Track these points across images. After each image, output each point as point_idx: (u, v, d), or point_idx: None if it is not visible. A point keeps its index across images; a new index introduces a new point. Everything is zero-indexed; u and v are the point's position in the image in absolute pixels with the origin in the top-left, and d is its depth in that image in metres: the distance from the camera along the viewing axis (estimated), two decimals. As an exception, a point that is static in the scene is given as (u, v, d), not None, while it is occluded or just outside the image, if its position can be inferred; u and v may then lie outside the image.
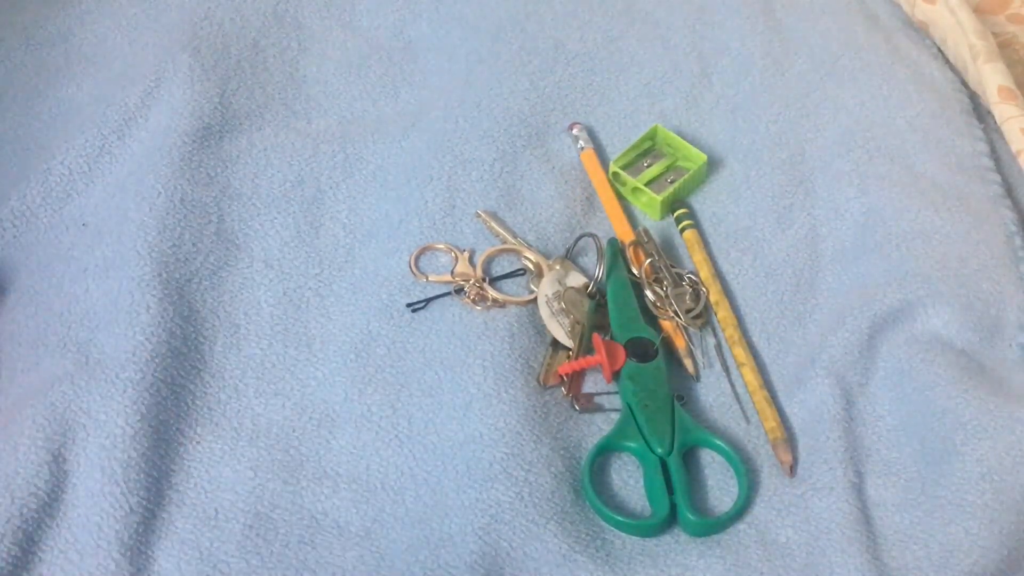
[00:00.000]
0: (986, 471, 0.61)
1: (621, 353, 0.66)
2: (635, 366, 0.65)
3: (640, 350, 0.66)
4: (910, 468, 0.62)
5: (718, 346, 0.69)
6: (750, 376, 0.67)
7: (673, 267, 0.71)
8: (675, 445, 0.62)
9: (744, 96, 0.81)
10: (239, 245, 0.72)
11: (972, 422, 0.62)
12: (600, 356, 0.66)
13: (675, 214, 0.75)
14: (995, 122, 0.75)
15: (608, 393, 0.67)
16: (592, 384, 0.68)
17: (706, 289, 0.71)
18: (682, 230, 0.74)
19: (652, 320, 0.67)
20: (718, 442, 0.64)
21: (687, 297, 0.70)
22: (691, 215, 0.75)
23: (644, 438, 0.63)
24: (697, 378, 0.68)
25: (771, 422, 0.64)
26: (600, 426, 0.66)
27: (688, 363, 0.68)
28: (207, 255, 0.71)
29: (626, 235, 0.73)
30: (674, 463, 0.62)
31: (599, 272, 0.70)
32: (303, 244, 0.73)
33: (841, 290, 0.70)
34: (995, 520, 0.59)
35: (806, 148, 0.77)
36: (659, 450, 0.62)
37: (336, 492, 0.62)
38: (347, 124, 0.79)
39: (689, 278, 0.71)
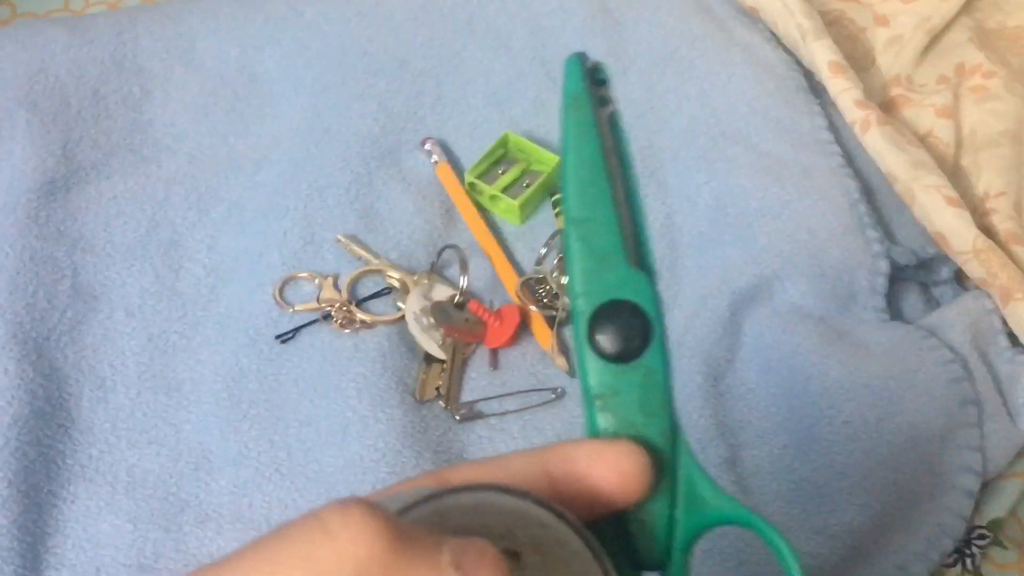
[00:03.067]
0: (853, 432, 0.63)
1: (514, 319, 0.64)
2: (610, 368, 0.35)
3: (621, 329, 0.35)
4: (781, 435, 0.64)
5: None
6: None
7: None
8: (682, 540, 0.35)
9: (591, 96, 0.83)
10: (97, 296, 0.71)
11: (835, 385, 0.64)
12: (490, 326, 0.63)
13: (554, 198, 0.76)
14: (830, 97, 0.78)
15: (488, 399, 0.68)
16: (470, 391, 0.68)
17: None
18: (558, 214, 0.75)
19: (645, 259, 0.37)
20: (756, 519, 0.35)
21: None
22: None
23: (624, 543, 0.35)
24: (571, 374, 0.69)
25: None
26: (481, 433, 0.66)
27: (561, 360, 0.69)
28: (64, 311, 0.70)
29: (490, 247, 0.74)
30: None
31: (464, 281, 0.71)
32: (164, 288, 0.72)
33: (701, 273, 0.72)
34: (866, 477, 0.62)
35: (654, 140, 0.79)
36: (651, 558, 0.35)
37: (220, 533, 0.62)
38: (198, 163, 0.79)
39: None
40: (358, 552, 0.25)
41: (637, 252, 0.35)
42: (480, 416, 0.67)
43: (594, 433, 0.35)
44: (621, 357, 0.34)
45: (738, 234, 0.73)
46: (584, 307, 0.35)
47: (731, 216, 0.74)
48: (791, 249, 0.71)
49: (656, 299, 0.35)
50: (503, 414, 0.67)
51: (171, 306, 0.72)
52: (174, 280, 0.73)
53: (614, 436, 0.34)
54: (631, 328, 0.35)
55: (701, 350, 0.68)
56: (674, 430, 0.35)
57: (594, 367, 0.34)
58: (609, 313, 0.35)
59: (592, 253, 0.35)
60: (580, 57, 0.36)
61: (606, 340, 0.34)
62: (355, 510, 0.25)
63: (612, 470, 0.32)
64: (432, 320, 0.70)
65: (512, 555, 0.30)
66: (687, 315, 0.70)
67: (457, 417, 0.67)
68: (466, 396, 0.68)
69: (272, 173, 0.78)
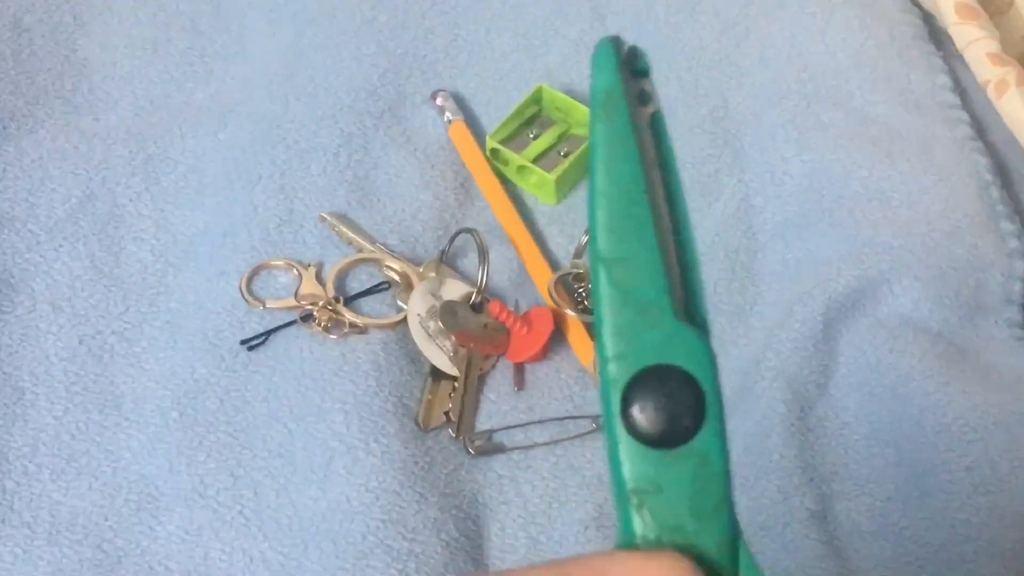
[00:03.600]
0: (979, 481, 0.62)
1: (545, 326, 0.65)
2: (650, 456, 0.34)
3: (666, 404, 0.34)
4: (886, 485, 0.63)
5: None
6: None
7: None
8: None
9: (649, 40, 0.82)
10: (15, 285, 0.71)
11: (957, 422, 0.64)
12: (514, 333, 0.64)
13: None
14: (955, 48, 0.77)
15: (511, 427, 0.67)
16: (488, 417, 0.68)
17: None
18: None
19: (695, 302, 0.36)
20: None
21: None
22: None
23: None
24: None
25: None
26: (501, 472, 0.66)
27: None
28: (-27, 302, 0.70)
29: (517, 232, 0.74)
30: None
31: (483, 276, 0.70)
32: (100, 276, 0.72)
33: (787, 273, 0.71)
34: (995, 541, 0.61)
35: (729, 99, 0.79)
36: None
37: (167, 592, 0.62)
38: (146, 117, 0.79)
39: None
40: None
41: (686, 300, 0.34)
42: (500, 450, 0.67)
43: (629, 540, 0.33)
44: (666, 441, 0.33)
45: (835, 223, 0.72)
46: (617, 374, 0.33)
47: (826, 200, 0.73)
48: (903, 244, 0.70)
49: (711, 363, 0.34)
50: (530, 448, 0.67)
51: (109, 299, 0.71)
52: (113, 265, 0.73)
53: (655, 545, 0.33)
54: (679, 403, 0.33)
55: (785, 372, 0.67)
56: (734, 536, 0.33)
57: (630, 454, 0.33)
58: (650, 383, 0.33)
59: (628, 303, 0.34)
60: (614, 42, 0.35)
61: (646, 419, 0.33)
62: None
63: None
64: (441, 325, 0.70)
65: None
66: (767, 327, 0.69)
67: (471, 450, 0.66)
68: (482, 424, 0.68)
69: (240, 131, 0.77)
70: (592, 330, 0.70)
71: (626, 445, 0.33)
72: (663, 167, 0.35)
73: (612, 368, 0.34)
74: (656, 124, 0.35)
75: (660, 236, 0.34)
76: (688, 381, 0.33)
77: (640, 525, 0.33)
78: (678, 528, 0.33)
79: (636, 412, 0.33)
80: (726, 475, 0.33)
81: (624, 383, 0.33)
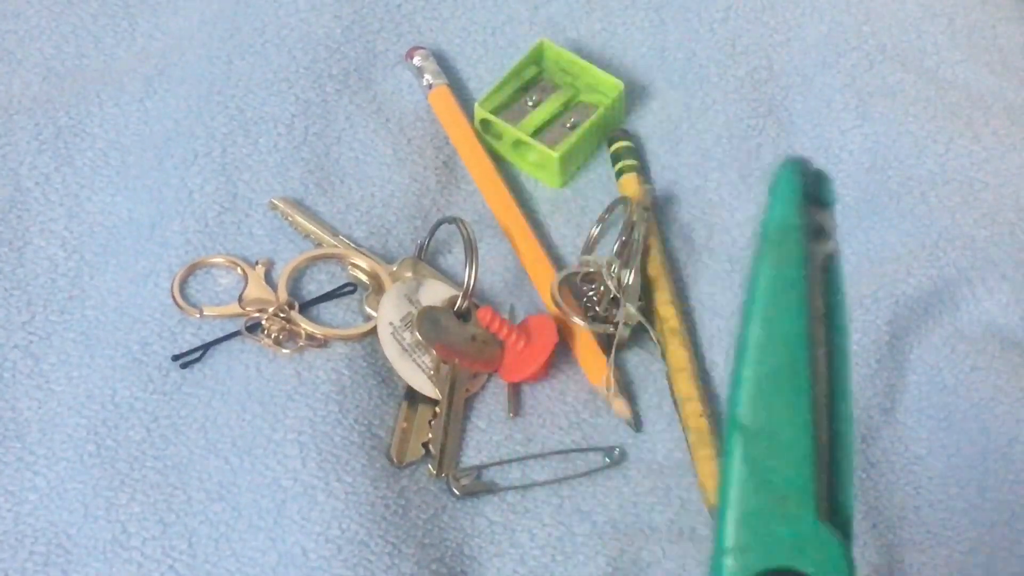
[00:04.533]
0: (1082, 527, 0.62)
1: (547, 338, 0.67)
2: None
3: None
4: (967, 531, 0.63)
5: (668, 374, 0.69)
6: (693, 419, 0.67)
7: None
8: None
9: (676, -15, 0.82)
10: None
11: (1055, 454, 0.64)
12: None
13: (612, 147, 0.76)
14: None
15: (505, 462, 0.67)
16: (476, 450, 0.68)
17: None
18: (619, 172, 0.75)
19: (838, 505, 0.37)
20: None
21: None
22: (635, 150, 0.76)
23: None
24: (637, 427, 0.69)
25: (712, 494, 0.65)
26: (493, 518, 0.66)
27: (620, 404, 0.68)
28: None
29: (513, 222, 0.74)
30: None
31: (470, 277, 0.70)
32: (-1, 277, 0.72)
33: (845, 271, 0.71)
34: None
35: (774, 57, 0.79)
36: None
37: (82, 666, 0.62)
38: (56, 80, 0.79)
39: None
40: None
41: (829, 493, 0.35)
42: (492, 489, 0.67)
43: None
44: None
45: (904, 210, 0.72)
46: (735, 570, 0.34)
47: (894, 181, 0.73)
48: (988, 236, 0.70)
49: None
50: (527, 487, 0.67)
51: (10, 305, 0.71)
52: (15, 265, 0.73)
53: None
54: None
55: (842, 393, 0.67)
56: None
57: None
58: None
59: (764, 488, 0.34)
60: (799, 166, 0.35)
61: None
62: None
63: None
64: (419, 336, 0.69)
65: None
66: (821, 337, 0.69)
67: (456, 491, 0.66)
68: (470, 458, 0.68)
69: (172, 98, 0.77)
70: (604, 344, 0.70)
71: None
72: (830, 323, 0.35)
73: (730, 562, 0.34)
74: (831, 268, 0.36)
75: (815, 412, 0.34)
76: None
77: None
78: None
79: None
80: None
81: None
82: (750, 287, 0.35)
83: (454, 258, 0.73)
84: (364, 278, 0.72)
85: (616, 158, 0.76)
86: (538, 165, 0.76)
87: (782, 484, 0.34)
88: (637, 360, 0.71)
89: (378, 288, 0.71)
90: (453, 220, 0.72)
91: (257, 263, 0.72)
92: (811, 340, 0.35)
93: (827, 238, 0.36)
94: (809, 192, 0.36)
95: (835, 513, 0.34)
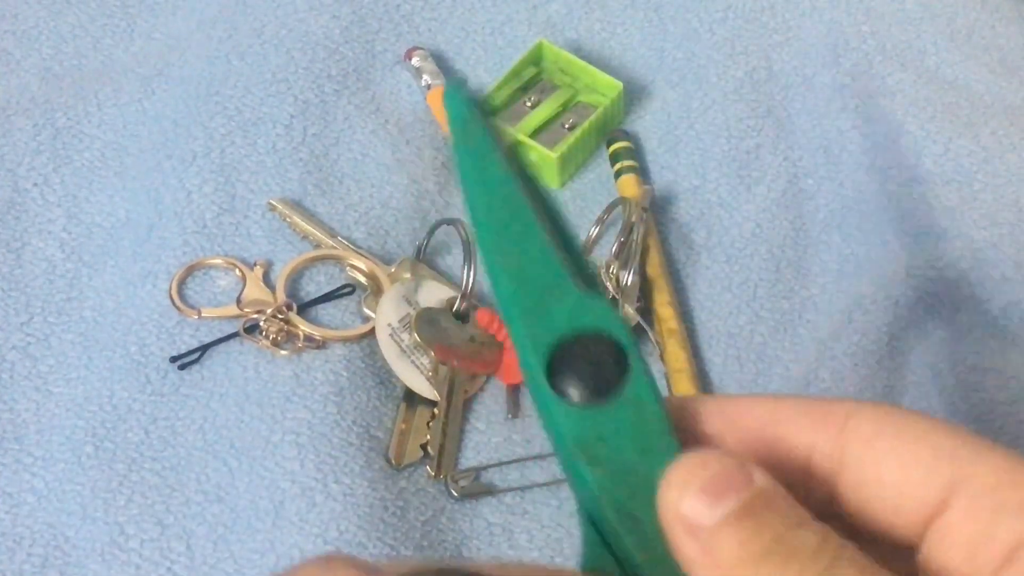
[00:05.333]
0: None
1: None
2: (588, 414, 0.41)
3: (591, 366, 0.42)
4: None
5: (667, 374, 0.69)
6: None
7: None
8: None
9: (674, -15, 0.82)
10: None
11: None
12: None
13: (611, 148, 0.76)
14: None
15: (504, 464, 0.68)
16: (475, 451, 0.68)
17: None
18: (618, 173, 0.75)
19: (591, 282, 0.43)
20: None
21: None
22: (634, 151, 0.76)
23: None
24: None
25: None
26: (491, 519, 0.66)
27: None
28: None
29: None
30: None
31: (469, 278, 0.70)
32: (-3, 278, 0.72)
33: (843, 272, 0.72)
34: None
35: (773, 58, 0.79)
36: None
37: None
38: (55, 81, 0.79)
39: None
40: None
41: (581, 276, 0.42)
42: (490, 491, 0.67)
43: (587, 495, 0.41)
44: (598, 398, 0.41)
45: (904, 210, 0.72)
46: (536, 351, 0.41)
47: (893, 181, 0.73)
48: (987, 237, 0.70)
49: (622, 322, 0.42)
50: (526, 489, 0.67)
51: (8, 306, 0.72)
52: (14, 265, 0.73)
53: (611, 492, 0.40)
54: (602, 361, 0.41)
55: (842, 394, 0.67)
56: None
57: (568, 418, 0.41)
58: (571, 348, 0.41)
59: (530, 287, 0.42)
60: (456, 87, 0.43)
61: (576, 382, 0.41)
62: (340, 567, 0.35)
63: None
64: (417, 338, 0.69)
65: None
66: (820, 339, 0.70)
67: (454, 492, 0.66)
68: (468, 460, 0.68)
69: (170, 98, 0.77)
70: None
71: (563, 412, 0.41)
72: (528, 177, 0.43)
73: (529, 349, 0.42)
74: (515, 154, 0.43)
75: (543, 229, 0.42)
76: (605, 340, 0.41)
77: (593, 477, 0.40)
78: (632, 471, 0.40)
79: (565, 379, 0.41)
80: (664, 417, 0.41)
81: (546, 355, 0.41)
82: (459, 171, 0.43)
83: (453, 259, 0.73)
84: (362, 279, 0.72)
85: (615, 159, 0.76)
86: (537, 166, 0.76)
87: (536, 279, 0.41)
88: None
89: (376, 289, 0.71)
90: (452, 221, 0.72)
91: (255, 264, 0.72)
92: (520, 185, 0.42)
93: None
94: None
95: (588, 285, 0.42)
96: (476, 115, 0.42)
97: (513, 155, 0.42)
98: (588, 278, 0.42)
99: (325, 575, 0.36)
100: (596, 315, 0.41)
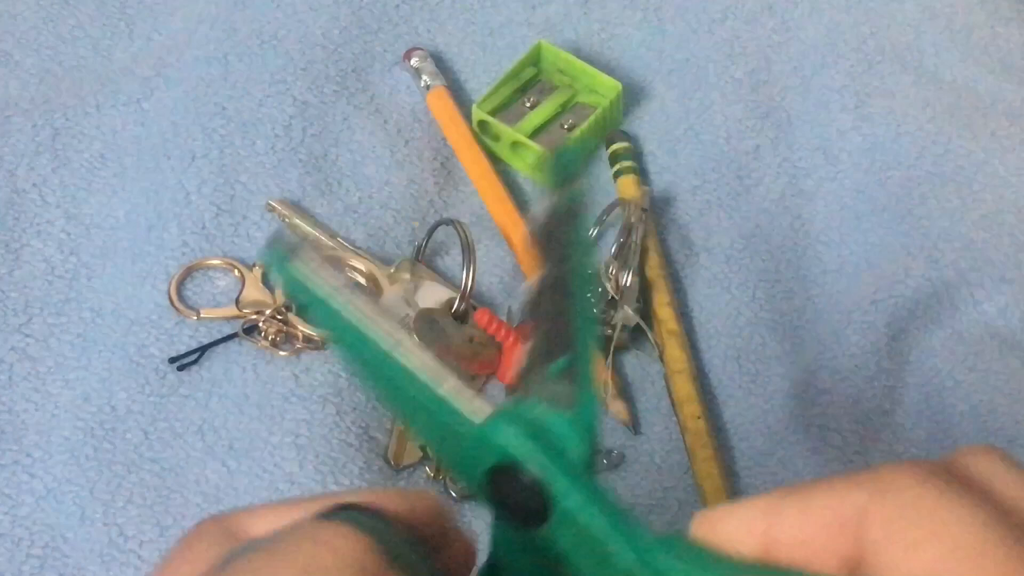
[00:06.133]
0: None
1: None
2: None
3: (514, 501, 0.39)
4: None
5: (666, 376, 0.69)
6: (691, 420, 0.67)
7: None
8: None
9: (674, -14, 0.82)
10: None
11: (1054, 456, 0.64)
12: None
13: (610, 149, 0.76)
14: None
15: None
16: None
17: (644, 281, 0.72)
18: (617, 174, 0.75)
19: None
20: None
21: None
22: (633, 152, 0.76)
23: None
24: (635, 429, 0.68)
25: (716, 498, 0.65)
26: (489, 520, 0.66)
27: (619, 406, 0.68)
28: None
29: (510, 224, 0.74)
30: None
31: (468, 278, 0.70)
32: (-4, 278, 0.72)
33: (843, 273, 0.72)
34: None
35: (772, 58, 0.79)
36: None
37: (78, 669, 0.62)
38: (54, 82, 0.79)
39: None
40: (353, 557, 0.36)
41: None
42: (490, 492, 0.67)
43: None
44: (532, 522, 0.39)
45: (903, 211, 0.72)
46: (471, 487, 0.40)
47: (892, 182, 0.73)
48: (987, 238, 0.71)
49: (531, 433, 0.39)
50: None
51: (7, 307, 0.71)
52: (13, 266, 0.73)
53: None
54: (519, 498, 0.38)
55: (841, 395, 0.67)
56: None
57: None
58: (501, 486, 0.39)
59: (436, 441, 0.41)
60: (274, 244, 0.42)
61: (507, 519, 0.39)
62: (337, 523, 0.37)
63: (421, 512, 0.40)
64: (417, 338, 0.69)
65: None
66: (820, 339, 0.70)
67: (454, 494, 0.66)
68: (468, 460, 0.68)
69: (169, 99, 0.78)
70: (601, 347, 0.70)
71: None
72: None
73: (467, 484, 0.41)
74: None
75: (410, 378, 0.40)
76: (519, 471, 0.38)
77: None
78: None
79: (500, 512, 0.40)
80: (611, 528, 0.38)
81: (483, 487, 0.39)
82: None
83: (452, 260, 0.73)
84: (362, 280, 0.72)
85: (614, 159, 0.76)
86: (536, 166, 0.76)
87: (435, 431, 0.40)
88: (635, 362, 0.71)
89: (376, 290, 0.71)
90: (451, 222, 0.72)
91: (254, 265, 0.72)
92: (369, 343, 0.41)
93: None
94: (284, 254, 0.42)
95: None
96: (288, 270, 0.42)
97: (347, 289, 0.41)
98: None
99: (196, 546, 0.38)
100: (498, 450, 0.39)
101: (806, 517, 0.36)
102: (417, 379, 0.40)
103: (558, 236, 0.43)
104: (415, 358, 0.40)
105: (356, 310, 0.41)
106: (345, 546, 0.36)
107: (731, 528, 0.37)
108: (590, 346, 0.41)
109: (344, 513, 0.38)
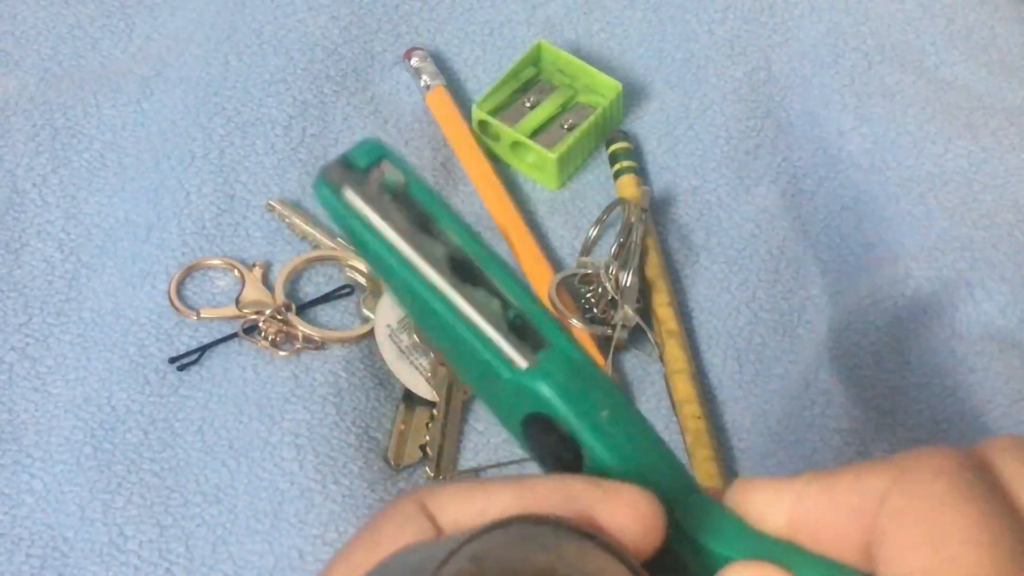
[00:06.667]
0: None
1: None
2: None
3: (550, 447, 0.42)
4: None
5: (666, 375, 0.69)
6: (691, 420, 0.67)
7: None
8: None
9: (674, -14, 0.82)
10: None
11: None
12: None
13: (610, 149, 0.76)
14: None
15: (504, 464, 0.68)
16: (474, 452, 0.68)
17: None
18: (617, 174, 0.75)
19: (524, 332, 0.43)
20: None
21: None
22: (633, 152, 0.76)
23: None
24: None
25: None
26: (490, 520, 0.66)
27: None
28: None
29: (510, 223, 0.73)
30: None
31: (468, 279, 0.70)
32: (-4, 278, 0.72)
33: (843, 274, 0.72)
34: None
35: (772, 58, 0.79)
36: None
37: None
38: (53, 81, 0.79)
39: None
40: None
41: (531, 335, 0.41)
42: (490, 492, 0.66)
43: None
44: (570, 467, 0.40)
45: (903, 211, 0.72)
46: (513, 434, 0.42)
47: (892, 182, 0.73)
48: (986, 237, 0.70)
49: (568, 390, 0.40)
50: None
51: (7, 307, 0.71)
52: (12, 266, 0.73)
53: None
54: (554, 445, 0.40)
55: (841, 395, 0.67)
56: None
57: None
58: (535, 431, 0.41)
59: (475, 380, 0.42)
60: (323, 181, 0.41)
61: (546, 458, 0.41)
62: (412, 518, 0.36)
63: (628, 515, 0.38)
64: (416, 339, 0.69)
65: None
66: (820, 340, 0.69)
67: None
68: (467, 460, 0.68)
69: (169, 98, 0.77)
70: (602, 345, 0.70)
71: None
72: (442, 229, 0.42)
73: (507, 430, 0.42)
74: (414, 192, 0.42)
75: (460, 319, 0.41)
76: (551, 421, 0.40)
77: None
78: None
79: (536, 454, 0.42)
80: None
81: (520, 432, 0.41)
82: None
83: (452, 259, 0.73)
84: (361, 280, 0.72)
85: (614, 159, 0.76)
86: (536, 166, 0.76)
87: (475, 371, 0.41)
88: (635, 361, 0.70)
89: (375, 290, 0.71)
90: (451, 222, 0.72)
91: (254, 265, 0.72)
92: (416, 269, 0.40)
93: (397, 181, 0.42)
94: (348, 173, 0.41)
95: (539, 343, 0.40)
96: (343, 207, 0.41)
97: (405, 226, 0.41)
98: (522, 329, 0.41)
99: (395, 520, 0.37)
100: (533, 400, 0.40)
101: (830, 500, 0.37)
102: (465, 319, 0.41)
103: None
104: (463, 299, 0.41)
105: (407, 246, 0.41)
106: None
107: (762, 501, 0.38)
108: (531, 298, 0.41)
109: (492, 535, 0.36)
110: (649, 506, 0.38)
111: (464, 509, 0.39)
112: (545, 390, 0.40)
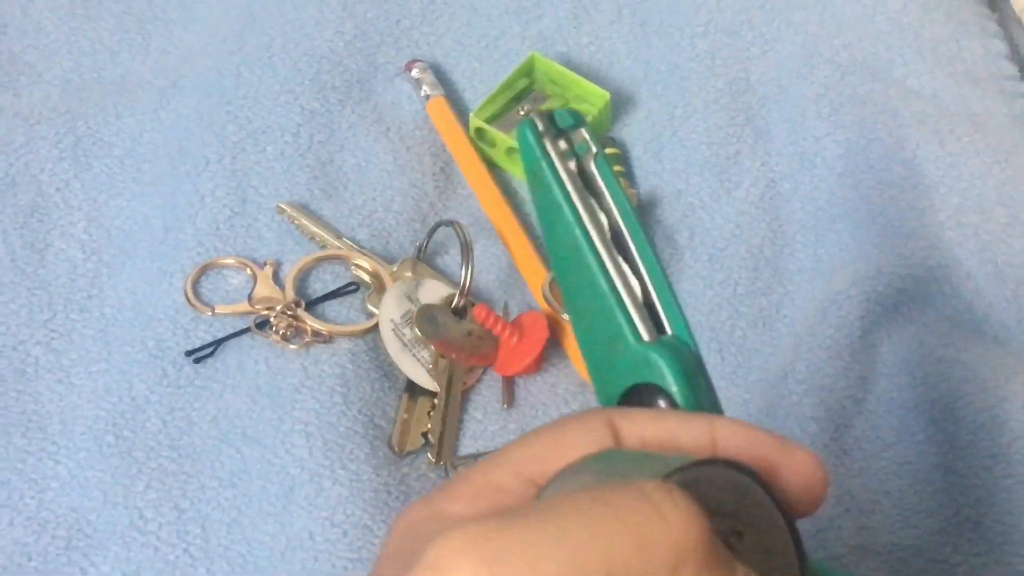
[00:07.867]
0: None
1: (539, 333, 0.68)
2: None
3: None
4: (935, 516, 0.63)
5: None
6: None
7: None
8: None
9: (659, 2, 0.82)
10: (-77, 288, 0.71)
11: (1017, 443, 0.64)
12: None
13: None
14: (1013, 10, 0.77)
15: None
16: (473, 439, 0.68)
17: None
18: None
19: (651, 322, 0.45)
20: None
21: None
22: (621, 158, 0.76)
23: None
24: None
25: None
26: (488, 503, 0.66)
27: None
28: None
29: (506, 224, 0.74)
30: None
31: (466, 276, 0.70)
32: (22, 276, 0.72)
33: (819, 271, 0.72)
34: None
35: (751, 69, 0.79)
36: None
37: (101, 643, 0.62)
38: (75, 92, 0.79)
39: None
40: (687, 541, 0.33)
41: (658, 317, 0.45)
42: (488, 476, 0.67)
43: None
44: None
45: (875, 212, 0.72)
46: (605, 400, 0.44)
47: (864, 185, 0.73)
48: (955, 236, 0.71)
49: (682, 370, 0.43)
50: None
51: (32, 303, 0.71)
52: (38, 264, 0.73)
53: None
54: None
55: (817, 385, 0.67)
56: None
57: None
58: (631, 401, 0.43)
59: (597, 341, 0.45)
60: (531, 125, 0.45)
61: None
62: (682, 497, 0.33)
63: (798, 475, 0.38)
64: (418, 332, 0.69)
65: (737, 534, 0.37)
66: (797, 333, 0.70)
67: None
68: (466, 447, 0.68)
69: (184, 107, 0.77)
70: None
71: None
72: (608, 206, 0.45)
73: (601, 397, 0.45)
74: (599, 165, 0.45)
75: (608, 279, 0.44)
76: (660, 392, 0.43)
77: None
78: None
79: None
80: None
81: (616, 403, 0.44)
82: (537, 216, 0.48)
83: (451, 259, 0.73)
84: (366, 278, 0.72)
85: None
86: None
87: (602, 331, 0.44)
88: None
89: (380, 287, 0.71)
90: (450, 223, 0.72)
91: (265, 264, 0.72)
92: (587, 236, 0.44)
93: (587, 150, 0.45)
94: (548, 131, 0.45)
95: (675, 324, 0.44)
96: (543, 164, 0.45)
97: (585, 190, 0.44)
98: (652, 318, 0.44)
99: (672, 498, 0.35)
100: (650, 370, 0.43)
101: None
102: (612, 282, 0.44)
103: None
104: (614, 266, 0.44)
105: (582, 205, 0.44)
106: (681, 530, 0.33)
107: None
108: (668, 287, 0.45)
109: (707, 468, 0.36)
110: (818, 470, 0.39)
111: (655, 428, 0.39)
112: (665, 363, 0.42)
